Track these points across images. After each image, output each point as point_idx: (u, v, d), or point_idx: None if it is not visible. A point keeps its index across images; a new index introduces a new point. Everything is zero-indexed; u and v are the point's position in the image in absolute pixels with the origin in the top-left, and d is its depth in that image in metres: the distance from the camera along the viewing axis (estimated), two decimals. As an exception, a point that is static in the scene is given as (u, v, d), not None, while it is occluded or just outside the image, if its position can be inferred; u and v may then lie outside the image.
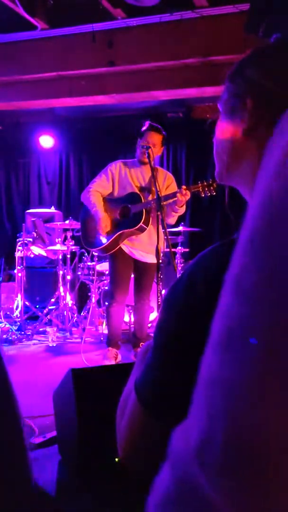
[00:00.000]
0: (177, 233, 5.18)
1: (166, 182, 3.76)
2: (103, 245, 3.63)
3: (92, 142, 6.56)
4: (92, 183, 3.76)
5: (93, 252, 4.41)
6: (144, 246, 3.69)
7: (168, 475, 0.32)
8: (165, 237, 3.25)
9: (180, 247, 5.16)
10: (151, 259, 3.70)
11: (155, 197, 3.59)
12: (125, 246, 3.69)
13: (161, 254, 3.62)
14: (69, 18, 4.24)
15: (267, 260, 0.30)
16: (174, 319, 0.61)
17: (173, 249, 4.29)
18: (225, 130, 0.72)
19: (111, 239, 3.61)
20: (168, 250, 3.31)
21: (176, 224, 5.20)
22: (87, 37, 4.23)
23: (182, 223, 5.27)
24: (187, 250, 5.26)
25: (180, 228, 5.13)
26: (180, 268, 5.05)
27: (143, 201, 3.59)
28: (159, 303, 3.30)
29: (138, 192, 3.64)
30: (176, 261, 5.05)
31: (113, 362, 3.76)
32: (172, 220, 3.69)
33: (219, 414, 0.29)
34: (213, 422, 0.29)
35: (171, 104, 5.90)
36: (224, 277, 0.58)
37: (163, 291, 3.81)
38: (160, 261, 3.71)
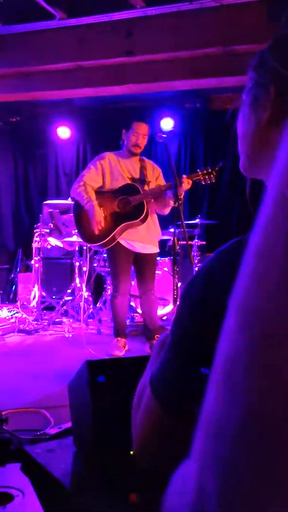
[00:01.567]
0: (194, 226, 5.15)
1: (155, 174, 3.81)
2: (103, 241, 3.62)
3: (109, 133, 6.52)
4: (81, 176, 3.72)
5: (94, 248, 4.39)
6: (143, 237, 3.70)
7: None
8: (182, 229, 3.24)
9: (196, 240, 5.13)
10: (151, 249, 3.73)
11: (152, 187, 3.64)
12: (123, 240, 3.68)
13: (158, 244, 3.81)
14: (87, 8, 4.21)
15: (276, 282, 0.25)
16: (191, 315, 0.61)
17: (189, 242, 4.27)
18: (248, 120, 0.71)
19: (111, 234, 3.60)
20: (184, 242, 3.31)
21: (193, 217, 5.18)
22: (105, 27, 4.20)
23: (199, 216, 5.23)
24: (204, 243, 5.23)
25: (197, 221, 5.10)
26: (196, 261, 5.02)
27: (141, 192, 3.59)
28: (175, 296, 3.28)
29: (134, 184, 3.64)
30: (192, 254, 5.02)
31: (122, 352, 3.81)
32: (167, 210, 3.70)
33: (209, 466, 0.24)
34: (206, 478, 0.24)
35: (189, 95, 5.84)
36: None
37: (179, 284, 3.80)
38: (158, 251, 3.79)
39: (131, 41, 4.21)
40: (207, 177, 3.46)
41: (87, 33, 4.36)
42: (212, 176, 3.46)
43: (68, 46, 4.45)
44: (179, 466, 0.30)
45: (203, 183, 3.52)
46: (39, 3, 3.93)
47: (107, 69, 4.56)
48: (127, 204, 3.62)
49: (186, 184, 3.42)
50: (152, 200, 3.67)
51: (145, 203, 3.58)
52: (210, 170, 3.46)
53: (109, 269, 4.99)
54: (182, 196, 3.54)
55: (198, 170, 3.52)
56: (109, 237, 3.61)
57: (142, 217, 3.57)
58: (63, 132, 6.63)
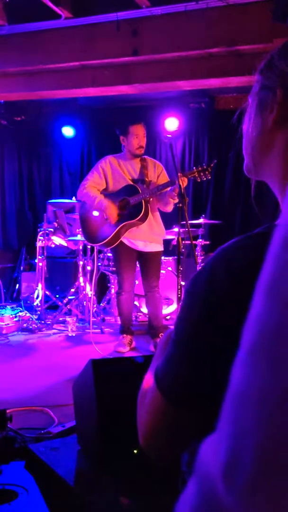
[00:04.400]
0: (198, 226, 5.15)
1: (157, 171, 3.86)
2: (106, 240, 3.69)
3: (114, 132, 6.52)
4: (85, 180, 3.84)
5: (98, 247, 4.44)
6: (146, 236, 3.76)
7: (194, 492, 0.30)
8: (186, 229, 3.25)
9: (200, 240, 5.13)
10: (154, 247, 3.79)
11: (150, 187, 3.68)
12: (126, 239, 3.76)
13: (163, 242, 3.87)
14: (93, 7, 4.21)
15: None
16: (195, 311, 0.61)
17: (193, 242, 4.27)
18: (254, 122, 0.72)
19: (113, 233, 3.66)
20: (188, 242, 3.33)
21: (197, 217, 5.18)
22: (111, 26, 4.19)
23: (203, 215, 5.23)
24: (208, 242, 5.23)
25: (201, 221, 5.10)
26: (200, 260, 5.02)
27: (140, 192, 3.64)
28: (179, 295, 3.28)
29: (134, 184, 3.70)
30: (196, 253, 5.02)
31: (126, 348, 3.85)
32: (169, 207, 3.76)
33: (248, 430, 0.27)
34: (241, 439, 0.27)
35: (193, 95, 5.83)
36: (248, 270, 0.58)
37: (183, 283, 3.80)
38: (162, 249, 3.85)
39: (137, 40, 4.21)
40: (202, 174, 3.50)
41: (93, 32, 4.35)
42: (207, 173, 3.49)
43: (73, 46, 4.45)
44: (206, 438, 0.33)
45: (199, 180, 3.56)
46: (44, 2, 3.94)
47: (113, 68, 4.56)
48: (127, 204, 3.69)
49: (181, 181, 3.44)
50: (152, 199, 3.72)
51: (143, 203, 3.64)
52: (205, 167, 3.49)
53: (113, 268, 5.03)
54: (178, 194, 3.58)
55: (193, 167, 3.55)
56: (111, 236, 3.67)
57: (140, 216, 3.64)
58: (68, 131, 6.63)
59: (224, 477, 0.27)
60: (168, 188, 3.57)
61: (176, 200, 3.66)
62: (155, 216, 3.82)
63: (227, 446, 0.28)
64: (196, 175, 3.50)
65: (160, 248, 3.85)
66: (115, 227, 3.67)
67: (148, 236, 3.75)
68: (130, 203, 3.67)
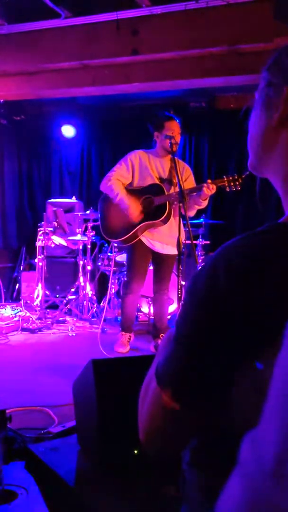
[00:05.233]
0: (198, 225, 5.15)
1: (185, 175, 3.76)
2: (124, 237, 3.64)
3: (114, 131, 6.53)
4: (111, 172, 3.74)
5: (114, 243, 4.41)
6: (164, 238, 3.70)
7: (240, 491, 0.30)
8: (187, 229, 3.24)
9: (200, 239, 5.13)
10: (171, 250, 3.74)
11: (178, 189, 3.61)
12: (144, 238, 3.71)
13: (182, 246, 3.69)
14: (93, 6, 4.20)
15: None
16: (196, 310, 0.62)
17: (194, 241, 4.27)
18: (259, 119, 0.72)
19: (133, 231, 3.61)
20: (189, 242, 3.32)
21: (198, 216, 5.18)
22: (111, 25, 4.19)
23: (204, 215, 5.23)
24: (208, 242, 5.23)
25: (201, 220, 5.10)
26: (200, 260, 5.02)
27: (166, 193, 3.59)
28: (180, 295, 3.28)
29: (160, 184, 3.64)
30: (196, 253, 5.01)
31: (125, 348, 3.85)
32: (192, 212, 3.72)
33: None
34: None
35: (194, 94, 5.82)
36: (250, 269, 0.58)
37: (183, 283, 3.80)
38: (180, 252, 3.77)
39: (137, 40, 4.20)
40: (232, 184, 3.36)
41: (93, 32, 4.35)
42: (237, 183, 3.34)
43: (73, 45, 4.45)
44: (247, 434, 0.33)
45: (228, 190, 3.40)
46: (44, 1, 3.93)
47: (113, 67, 4.56)
48: (151, 203, 3.62)
49: (210, 189, 3.37)
50: (176, 202, 3.65)
51: (167, 204, 3.58)
52: (236, 177, 3.35)
53: (115, 268, 5.02)
54: (206, 201, 3.54)
55: (224, 176, 3.43)
56: (130, 234, 3.63)
57: (163, 217, 3.58)
58: (68, 130, 6.62)
59: (273, 474, 0.27)
60: (194, 194, 3.50)
61: (202, 206, 3.61)
62: (177, 220, 3.75)
63: (274, 443, 0.28)
64: (226, 184, 3.37)
65: (176, 251, 3.81)
66: (135, 225, 3.62)
67: (165, 238, 3.70)
68: (155, 203, 3.60)
